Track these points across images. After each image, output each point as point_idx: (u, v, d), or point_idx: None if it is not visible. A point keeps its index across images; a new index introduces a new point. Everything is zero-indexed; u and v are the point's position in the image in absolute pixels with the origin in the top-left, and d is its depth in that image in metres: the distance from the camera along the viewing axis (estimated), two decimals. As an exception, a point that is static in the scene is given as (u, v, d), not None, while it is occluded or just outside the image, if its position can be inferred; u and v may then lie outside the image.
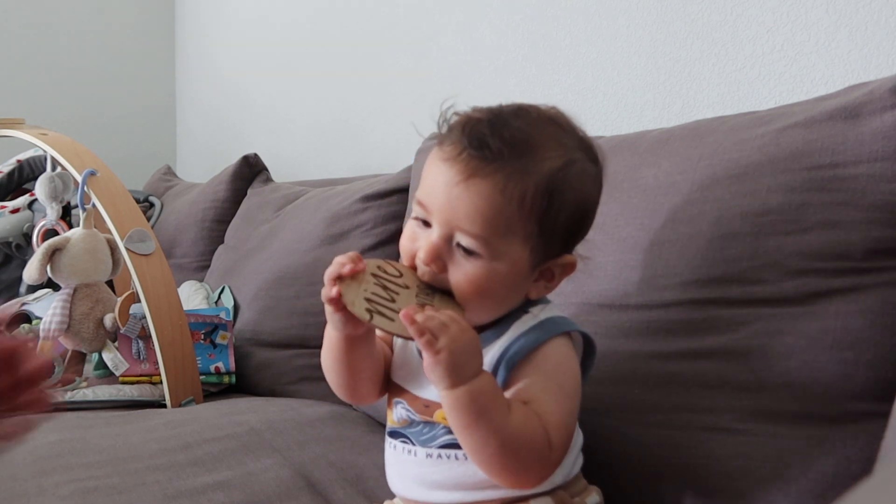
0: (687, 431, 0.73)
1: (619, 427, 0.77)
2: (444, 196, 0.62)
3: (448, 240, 0.62)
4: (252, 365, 1.39)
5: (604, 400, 0.79)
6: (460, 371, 0.57)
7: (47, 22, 2.59)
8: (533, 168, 0.62)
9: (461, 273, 0.62)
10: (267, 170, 1.99)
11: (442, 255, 0.62)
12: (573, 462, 0.67)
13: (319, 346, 0.71)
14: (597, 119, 1.25)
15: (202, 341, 1.35)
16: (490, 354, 0.64)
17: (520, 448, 0.58)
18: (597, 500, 0.68)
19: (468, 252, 0.62)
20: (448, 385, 0.58)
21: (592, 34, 1.26)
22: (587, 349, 0.69)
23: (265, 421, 1.04)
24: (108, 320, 1.32)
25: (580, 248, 0.70)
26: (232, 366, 1.36)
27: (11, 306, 1.51)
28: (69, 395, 1.22)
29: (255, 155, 1.99)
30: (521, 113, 0.65)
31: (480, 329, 0.65)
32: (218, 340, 1.37)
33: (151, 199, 2.15)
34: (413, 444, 0.66)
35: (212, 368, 1.34)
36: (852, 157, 0.71)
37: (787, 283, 0.71)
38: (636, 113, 1.19)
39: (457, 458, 0.64)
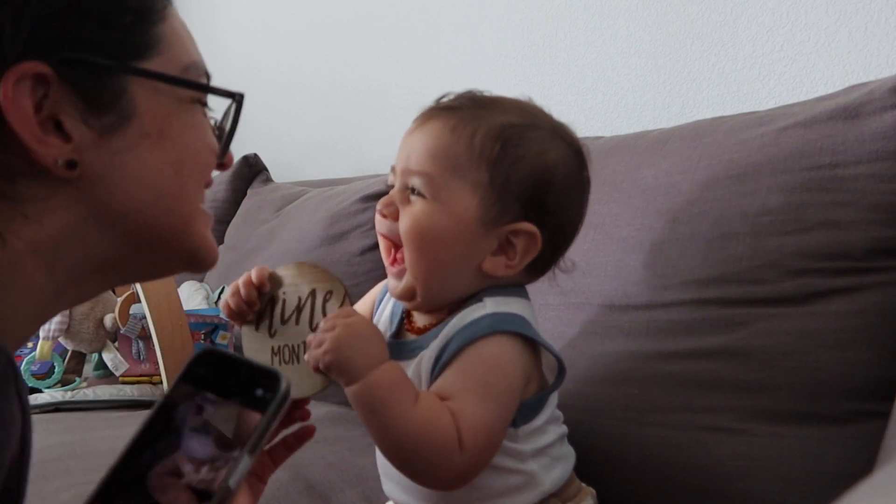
0: (687, 431, 0.73)
1: (619, 427, 0.77)
2: (403, 146, 0.63)
3: (404, 188, 0.62)
4: (252, 365, 1.39)
5: (604, 400, 0.79)
6: (355, 364, 0.56)
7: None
8: (489, 116, 0.61)
9: (406, 216, 0.61)
10: (267, 170, 1.99)
11: (394, 201, 0.63)
12: (562, 468, 0.65)
13: (319, 347, 0.71)
14: (597, 119, 1.25)
15: (202, 341, 1.35)
16: (431, 348, 0.62)
17: (419, 444, 0.55)
18: None
19: (415, 193, 0.61)
20: (345, 382, 0.56)
21: (592, 34, 1.26)
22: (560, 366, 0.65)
23: (265, 421, 1.03)
24: (108, 320, 1.32)
25: (571, 255, 0.67)
26: (232, 366, 1.36)
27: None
28: (69, 395, 1.22)
29: (255, 155, 1.99)
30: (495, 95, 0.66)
31: (434, 323, 0.64)
32: (218, 341, 1.37)
33: (151, 199, 2.14)
34: None
35: (212, 368, 1.34)
36: (852, 157, 0.71)
37: (787, 283, 0.71)
38: (636, 113, 1.19)
39: None
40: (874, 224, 0.69)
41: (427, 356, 0.62)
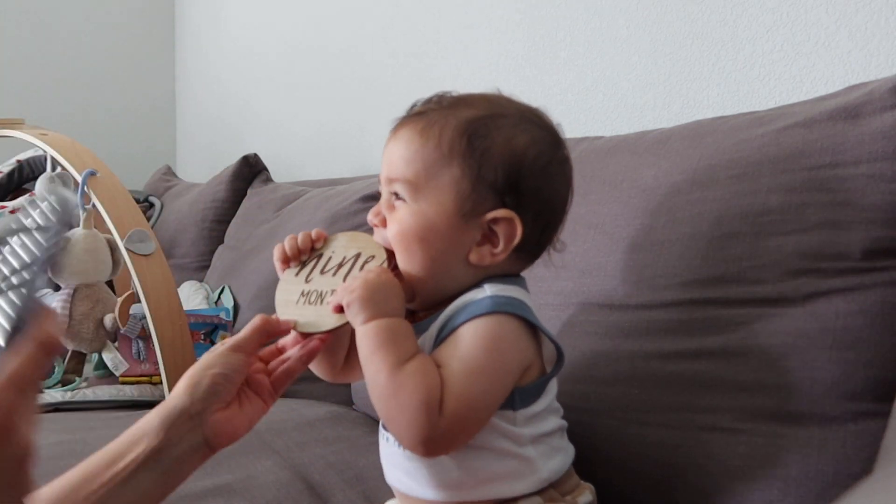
0: (687, 431, 0.73)
1: (619, 427, 0.77)
2: (383, 157, 0.67)
3: (389, 196, 0.66)
4: (252, 365, 1.39)
5: (604, 400, 0.79)
6: (374, 305, 0.60)
7: (47, 21, 2.59)
8: (454, 113, 0.64)
9: (392, 221, 0.65)
10: (267, 170, 1.99)
11: (381, 211, 0.66)
12: (561, 459, 0.66)
13: (319, 347, 0.71)
14: (597, 119, 1.25)
15: (202, 341, 1.35)
16: (432, 330, 0.64)
17: (402, 391, 0.57)
18: (589, 499, 0.67)
19: (399, 198, 0.65)
20: (361, 320, 0.60)
21: (592, 34, 1.26)
22: (558, 354, 0.66)
23: (265, 421, 1.02)
24: (108, 320, 1.32)
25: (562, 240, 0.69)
26: (232, 366, 1.36)
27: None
28: (69, 395, 1.22)
29: (255, 155, 1.99)
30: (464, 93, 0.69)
31: (433, 308, 0.65)
32: (218, 340, 1.37)
33: (151, 199, 2.15)
34: None
35: (212, 368, 1.34)
36: (852, 157, 0.71)
37: (787, 283, 0.71)
38: (636, 113, 1.19)
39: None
40: (874, 224, 0.69)
41: (428, 337, 0.64)
